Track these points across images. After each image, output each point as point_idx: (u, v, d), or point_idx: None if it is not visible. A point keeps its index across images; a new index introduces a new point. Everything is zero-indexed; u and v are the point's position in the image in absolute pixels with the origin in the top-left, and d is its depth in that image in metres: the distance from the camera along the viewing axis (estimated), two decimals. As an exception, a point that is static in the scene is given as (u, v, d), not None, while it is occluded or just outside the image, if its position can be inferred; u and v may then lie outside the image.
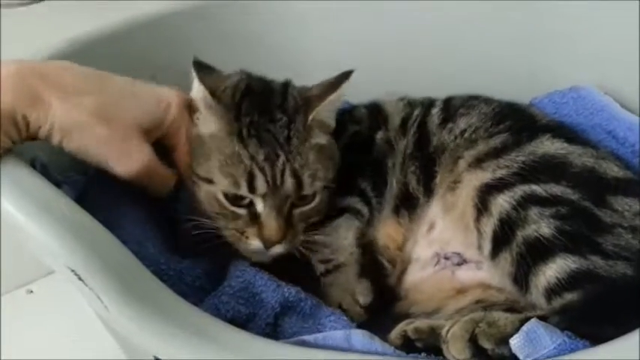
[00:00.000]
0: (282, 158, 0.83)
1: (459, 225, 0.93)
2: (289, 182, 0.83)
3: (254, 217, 0.84)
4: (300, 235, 0.88)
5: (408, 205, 0.99)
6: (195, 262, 0.88)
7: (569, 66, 1.21)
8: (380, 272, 0.96)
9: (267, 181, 0.82)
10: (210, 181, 0.85)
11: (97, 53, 1.07)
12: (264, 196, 0.83)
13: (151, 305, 0.65)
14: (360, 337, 0.72)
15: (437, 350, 0.74)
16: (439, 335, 0.73)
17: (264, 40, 1.28)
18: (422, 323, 0.80)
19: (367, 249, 0.97)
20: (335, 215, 0.94)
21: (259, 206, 0.84)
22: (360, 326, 0.79)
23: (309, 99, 0.88)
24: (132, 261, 0.71)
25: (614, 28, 1.16)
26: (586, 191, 0.85)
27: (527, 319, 0.68)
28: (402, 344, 0.78)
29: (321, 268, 0.92)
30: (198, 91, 0.86)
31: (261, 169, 0.82)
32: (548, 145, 0.93)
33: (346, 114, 1.07)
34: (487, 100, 1.07)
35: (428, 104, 1.09)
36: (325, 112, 0.89)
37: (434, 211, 0.99)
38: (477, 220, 0.88)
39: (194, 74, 0.86)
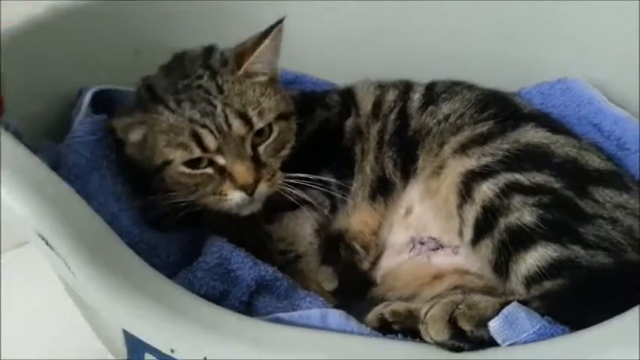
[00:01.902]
0: (219, 106, 0.84)
1: (441, 211, 0.92)
2: (236, 124, 0.84)
3: (223, 172, 0.85)
4: (278, 172, 0.88)
5: (384, 191, 0.99)
6: (171, 238, 0.86)
7: (559, 57, 1.21)
8: (352, 257, 0.96)
9: (215, 135, 0.83)
10: (167, 163, 0.85)
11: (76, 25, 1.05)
12: (219, 150, 0.84)
13: (120, 274, 0.63)
14: (336, 316, 0.71)
15: (413, 333, 0.73)
16: (417, 317, 0.72)
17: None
18: (399, 306, 0.79)
19: (339, 236, 0.97)
20: (294, 207, 0.94)
21: (220, 160, 0.84)
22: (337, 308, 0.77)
23: (241, 51, 0.90)
24: (103, 229, 0.69)
25: (606, 22, 1.16)
26: (568, 181, 0.85)
27: (508, 302, 0.67)
28: (379, 327, 0.77)
29: (280, 259, 0.91)
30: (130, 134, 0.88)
31: (204, 126, 0.83)
32: (532, 134, 0.92)
33: (317, 99, 1.07)
34: (470, 87, 1.06)
35: (405, 87, 1.08)
36: (260, 59, 0.89)
37: (412, 195, 0.98)
38: (460, 206, 0.87)
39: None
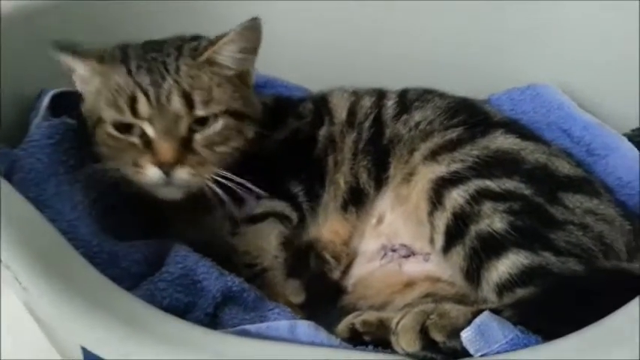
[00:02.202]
0: (169, 81, 0.84)
1: (411, 218, 0.91)
2: (177, 101, 0.83)
3: (148, 144, 0.83)
4: (210, 166, 0.85)
5: (357, 201, 0.97)
6: (133, 247, 0.82)
7: (529, 64, 1.21)
8: (323, 267, 0.95)
9: (151, 103, 0.83)
10: (100, 120, 0.85)
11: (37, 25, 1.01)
12: (150, 120, 0.83)
13: (75, 287, 0.60)
14: (305, 327, 0.69)
15: (385, 344, 0.71)
16: (388, 328, 0.70)
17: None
18: (370, 316, 0.77)
19: (309, 246, 0.95)
20: (259, 219, 0.92)
21: (150, 131, 0.83)
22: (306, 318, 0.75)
23: (211, 40, 0.90)
24: (56, 240, 0.65)
25: (576, 27, 1.17)
26: (538, 187, 0.85)
27: (480, 311, 0.66)
28: (349, 337, 0.75)
29: (246, 273, 0.88)
30: (79, 66, 0.88)
31: (145, 93, 0.83)
32: (502, 140, 0.92)
33: (290, 107, 1.06)
34: (442, 95, 1.06)
35: (379, 95, 1.07)
36: (224, 51, 0.89)
37: (384, 203, 0.97)
38: (431, 213, 0.86)
39: (67, 55, 0.87)
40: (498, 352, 0.63)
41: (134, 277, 0.77)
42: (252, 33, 0.88)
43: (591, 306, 0.67)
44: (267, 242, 0.90)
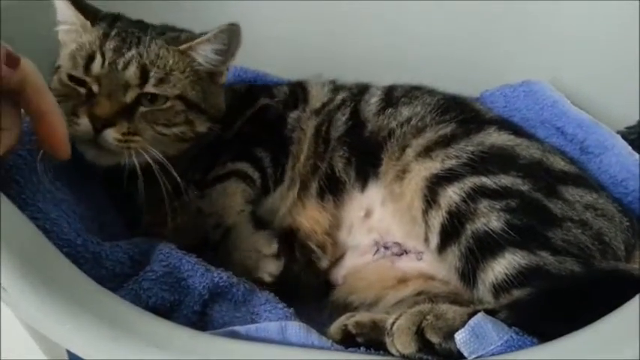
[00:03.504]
0: (132, 52, 0.87)
1: (405, 216, 0.90)
2: (132, 70, 0.86)
3: (90, 100, 0.84)
4: (143, 141, 0.85)
5: (334, 189, 0.96)
6: (118, 247, 0.79)
7: (523, 60, 1.20)
8: (310, 255, 0.94)
9: (104, 64, 0.85)
10: (58, 68, 0.89)
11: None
12: (98, 79, 0.85)
13: (57, 288, 0.57)
14: (296, 329, 0.67)
15: (377, 346, 0.70)
16: (382, 329, 0.69)
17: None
18: (363, 317, 0.75)
19: (292, 235, 0.95)
20: (223, 178, 0.93)
21: (95, 88, 0.85)
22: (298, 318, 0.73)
23: (192, 36, 0.94)
24: (38, 239, 0.62)
25: (570, 25, 1.16)
26: (536, 182, 0.84)
27: (477, 312, 0.64)
28: (341, 339, 0.73)
29: (214, 236, 0.89)
30: (76, 18, 0.90)
31: (102, 54, 0.86)
32: (496, 137, 0.91)
33: (264, 89, 1.07)
34: (431, 92, 1.05)
35: (360, 90, 1.07)
36: (200, 49, 0.92)
37: (372, 198, 0.95)
38: (425, 212, 0.85)
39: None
40: (493, 354, 0.62)
41: (119, 277, 0.75)
42: (229, 37, 0.91)
43: (587, 308, 0.66)
44: (232, 199, 0.92)
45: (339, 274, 0.96)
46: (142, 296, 0.71)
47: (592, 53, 1.13)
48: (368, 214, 0.96)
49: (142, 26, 0.94)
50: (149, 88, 0.87)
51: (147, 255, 0.80)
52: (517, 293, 0.73)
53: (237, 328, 0.68)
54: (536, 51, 1.19)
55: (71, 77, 0.86)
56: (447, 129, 0.93)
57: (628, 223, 0.86)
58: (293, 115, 1.02)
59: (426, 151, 0.90)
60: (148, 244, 0.82)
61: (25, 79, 0.66)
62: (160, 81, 0.87)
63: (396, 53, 1.27)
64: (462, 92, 1.19)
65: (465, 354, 0.62)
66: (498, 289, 0.74)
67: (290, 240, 0.95)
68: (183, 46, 0.90)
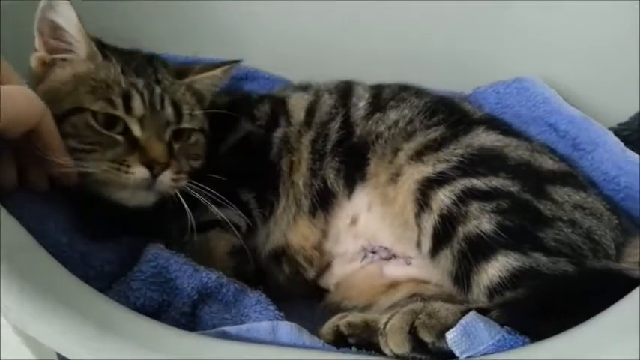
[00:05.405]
0: (158, 89, 0.86)
1: (396, 219, 0.89)
2: (169, 109, 0.86)
3: (133, 144, 0.81)
4: (184, 175, 0.84)
5: (325, 204, 0.95)
6: (106, 246, 0.78)
7: (515, 57, 1.19)
8: (297, 268, 0.94)
9: (145, 103, 0.83)
10: (78, 110, 0.80)
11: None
12: (141, 119, 0.82)
13: (43, 287, 0.56)
14: (287, 329, 0.66)
15: (369, 346, 0.69)
16: (375, 329, 0.68)
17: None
18: (355, 317, 0.75)
19: (280, 252, 0.95)
20: (206, 227, 0.89)
21: (136, 130, 0.82)
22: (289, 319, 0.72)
23: (186, 67, 0.96)
24: (23, 237, 0.61)
25: (562, 20, 1.15)
26: (525, 183, 0.83)
27: (469, 310, 0.64)
28: (333, 340, 0.73)
29: None
30: (79, 39, 0.85)
31: (140, 92, 0.84)
32: (484, 137, 0.91)
33: (245, 107, 1.03)
34: (418, 93, 1.04)
35: (343, 92, 1.04)
36: (205, 83, 0.95)
37: (358, 204, 0.95)
38: (418, 215, 0.84)
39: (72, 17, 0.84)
40: (485, 354, 0.61)
41: (107, 276, 0.74)
42: (229, 73, 0.96)
43: (579, 307, 0.65)
44: (215, 253, 0.88)
45: (330, 282, 0.95)
46: (130, 297, 0.70)
47: (584, 50, 1.12)
48: (354, 220, 0.96)
49: (127, 57, 0.90)
50: (184, 124, 0.87)
51: (135, 255, 0.78)
52: (511, 294, 0.72)
53: (227, 328, 0.67)
54: (528, 47, 1.18)
55: (104, 119, 0.81)
56: (436, 133, 0.93)
57: (617, 221, 0.86)
58: (277, 134, 1.00)
59: (418, 155, 0.90)
60: (136, 244, 0.80)
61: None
62: (191, 116, 0.88)
63: (388, 50, 1.26)
64: (454, 89, 1.20)
65: (457, 353, 0.62)
66: (492, 291, 0.74)
67: (278, 255, 0.95)
68: (188, 80, 0.92)
